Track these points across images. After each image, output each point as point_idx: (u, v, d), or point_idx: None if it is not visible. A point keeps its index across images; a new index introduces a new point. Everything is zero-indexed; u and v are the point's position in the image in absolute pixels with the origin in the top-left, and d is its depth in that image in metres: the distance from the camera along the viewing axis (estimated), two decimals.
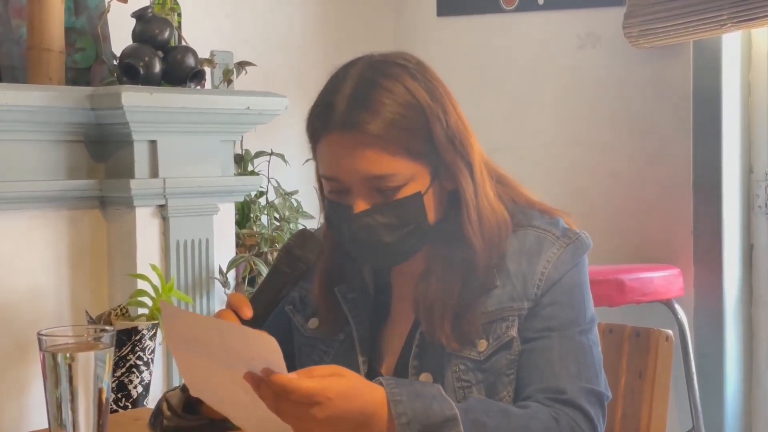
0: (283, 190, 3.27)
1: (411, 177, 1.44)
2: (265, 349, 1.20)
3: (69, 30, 2.77)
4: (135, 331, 2.47)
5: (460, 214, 1.47)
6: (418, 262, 1.51)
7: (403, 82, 1.44)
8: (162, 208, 2.76)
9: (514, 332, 1.46)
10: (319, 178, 1.50)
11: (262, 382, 1.23)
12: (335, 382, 1.25)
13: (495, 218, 1.48)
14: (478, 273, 1.46)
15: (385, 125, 1.40)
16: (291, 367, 1.56)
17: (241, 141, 3.17)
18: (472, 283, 1.46)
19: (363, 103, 1.41)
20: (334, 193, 1.47)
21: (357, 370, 1.51)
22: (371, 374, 1.51)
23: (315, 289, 1.57)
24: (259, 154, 3.24)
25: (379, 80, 1.43)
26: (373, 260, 1.50)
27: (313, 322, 1.58)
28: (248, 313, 1.39)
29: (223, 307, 1.41)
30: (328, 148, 1.44)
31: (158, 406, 1.51)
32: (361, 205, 1.43)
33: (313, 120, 1.46)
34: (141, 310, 2.58)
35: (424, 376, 1.47)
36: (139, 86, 2.66)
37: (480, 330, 1.46)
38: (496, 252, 1.47)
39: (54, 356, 1.29)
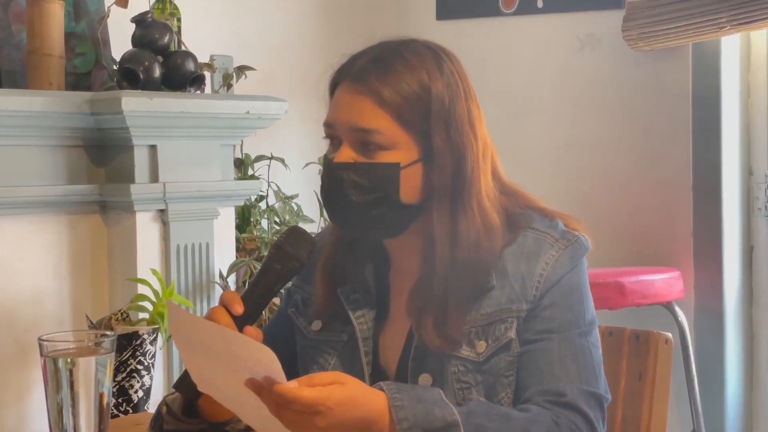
0: (283, 194, 3.27)
1: (395, 143, 1.45)
2: (265, 358, 1.21)
3: (69, 35, 2.77)
4: (136, 335, 2.47)
5: (433, 205, 1.47)
6: (414, 264, 1.52)
7: (426, 65, 1.48)
8: (162, 212, 2.76)
9: (512, 334, 1.46)
10: None
11: (263, 389, 1.23)
12: (336, 391, 1.25)
13: (483, 224, 1.48)
14: (459, 274, 1.46)
15: (390, 87, 1.45)
16: (293, 369, 1.57)
17: (241, 145, 3.17)
18: (458, 286, 1.46)
19: (379, 65, 1.47)
20: (330, 145, 1.51)
21: (361, 370, 1.52)
22: (375, 374, 1.52)
23: (318, 291, 1.57)
24: (259, 158, 3.25)
25: (404, 53, 1.49)
26: (340, 218, 1.51)
27: (316, 324, 1.58)
28: (239, 309, 1.40)
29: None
30: (336, 97, 1.50)
31: (158, 410, 1.52)
32: (342, 155, 1.46)
33: (335, 71, 1.53)
34: (141, 315, 2.58)
35: (424, 377, 1.47)
36: (139, 91, 2.66)
37: (467, 334, 1.46)
38: (476, 256, 1.47)
39: (55, 361, 1.29)
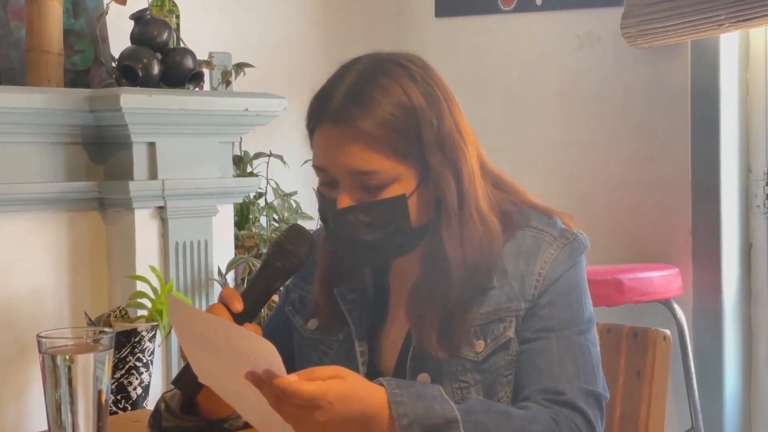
0: (282, 191, 3.27)
1: (396, 177, 1.44)
2: (266, 352, 1.21)
3: (68, 32, 2.77)
4: (134, 332, 2.48)
5: (441, 221, 1.47)
6: (414, 265, 1.51)
7: (400, 83, 1.44)
8: (161, 209, 2.76)
9: (511, 333, 1.46)
10: None
11: (263, 383, 1.23)
12: (336, 385, 1.25)
13: (484, 229, 1.48)
14: (462, 283, 1.46)
15: (375, 123, 1.41)
16: (291, 368, 1.57)
17: (240, 142, 3.17)
18: (461, 293, 1.46)
19: (357, 99, 1.42)
20: (324, 185, 1.48)
21: (356, 370, 1.51)
22: (371, 374, 1.52)
23: (315, 290, 1.57)
24: (257, 155, 3.25)
25: (377, 78, 1.44)
26: (354, 257, 1.51)
27: (313, 323, 1.58)
28: (238, 306, 1.40)
29: None
30: (320, 139, 1.45)
31: (157, 407, 1.52)
32: (345, 201, 1.44)
33: (311, 111, 1.48)
34: (140, 312, 2.58)
35: (422, 377, 1.47)
36: (138, 88, 2.66)
37: (469, 339, 1.46)
38: (480, 262, 1.46)
39: (53, 358, 1.29)
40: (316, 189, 1.53)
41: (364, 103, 1.42)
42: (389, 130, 1.42)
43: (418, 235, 1.48)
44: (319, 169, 1.46)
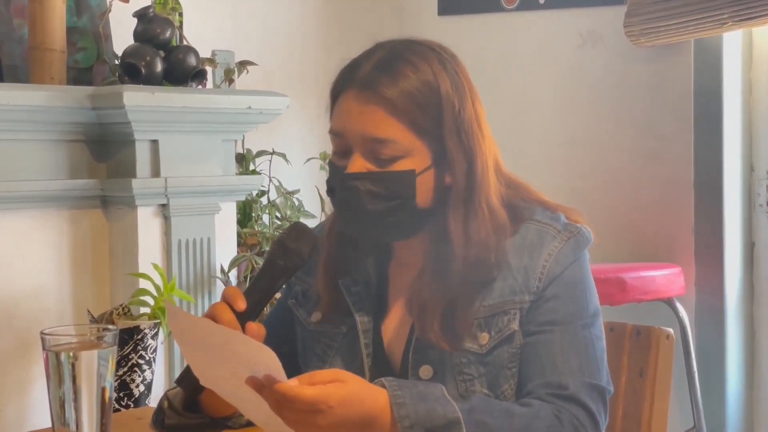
0: (285, 189, 3.27)
1: (410, 151, 1.45)
2: (265, 357, 1.21)
3: (71, 29, 2.77)
4: (137, 330, 2.48)
5: (447, 207, 1.48)
6: (416, 256, 1.52)
7: (431, 64, 1.47)
8: (164, 207, 2.76)
9: (515, 326, 1.46)
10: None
11: (264, 388, 1.23)
12: (336, 389, 1.25)
13: (492, 223, 1.48)
14: (464, 273, 1.46)
15: (400, 93, 1.44)
16: (294, 361, 1.57)
17: (243, 140, 3.17)
18: (464, 285, 1.46)
19: (386, 70, 1.45)
20: (337, 154, 1.49)
21: (361, 362, 1.52)
22: (375, 366, 1.52)
23: (318, 282, 1.57)
24: (260, 153, 3.25)
25: (408, 56, 1.47)
26: (355, 227, 1.51)
27: (316, 316, 1.58)
28: (242, 305, 1.40)
29: None
30: (342, 104, 1.48)
31: (160, 405, 1.52)
32: (355, 165, 1.45)
33: (337, 79, 1.50)
34: (143, 309, 2.58)
35: (425, 369, 1.48)
36: (141, 86, 2.66)
37: (473, 331, 1.46)
38: (484, 255, 1.47)
39: (57, 355, 1.29)
40: (327, 162, 1.53)
41: (392, 74, 1.45)
42: (411, 103, 1.44)
43: (421, 218, 1.48)
44: (335, 134, 1.48)
